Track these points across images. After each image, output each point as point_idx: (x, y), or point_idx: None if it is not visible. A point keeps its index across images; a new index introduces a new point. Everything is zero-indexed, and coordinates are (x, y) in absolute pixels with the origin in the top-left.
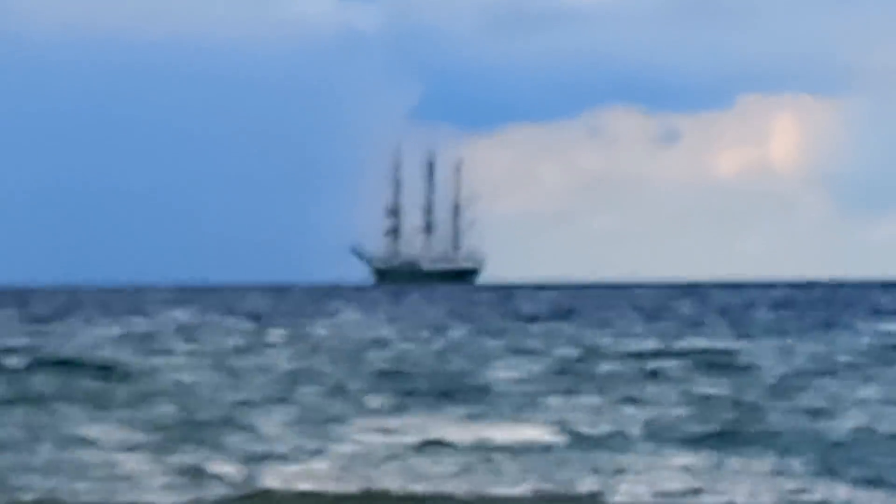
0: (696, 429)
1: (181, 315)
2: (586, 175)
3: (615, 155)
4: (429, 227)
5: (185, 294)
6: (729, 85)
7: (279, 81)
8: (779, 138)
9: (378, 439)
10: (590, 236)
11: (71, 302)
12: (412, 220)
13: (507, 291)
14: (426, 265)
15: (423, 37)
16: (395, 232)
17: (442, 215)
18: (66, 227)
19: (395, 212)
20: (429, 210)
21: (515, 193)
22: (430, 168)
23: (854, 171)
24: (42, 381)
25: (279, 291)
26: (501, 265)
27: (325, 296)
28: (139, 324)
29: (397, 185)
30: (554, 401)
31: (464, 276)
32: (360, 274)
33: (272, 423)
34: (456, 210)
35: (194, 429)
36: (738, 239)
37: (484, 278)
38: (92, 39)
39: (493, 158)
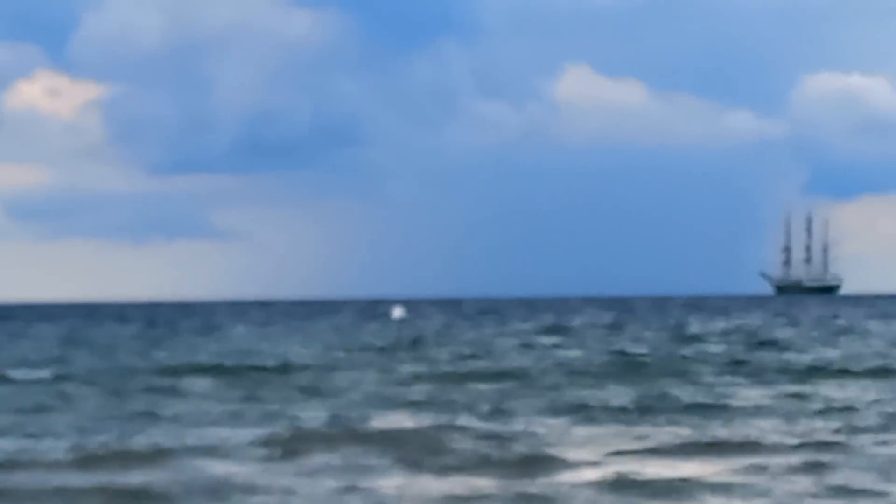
0: None
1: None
2: None
3: None
4: (808, 260)
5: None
6: None
7: (715, 172)
8: None
9: None
10: None
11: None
12: (798, 255)
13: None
14: (806, 283)
15: (811, 140)
16: (787, 263)
17: (816, 253)
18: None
19: (787, 250)
20: (808, 249)
21: (868, 239)
22: (809, 223)
23: None
24: None
25: (700, 301)
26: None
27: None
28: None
29: (789, 233)
30: None
31: (829, 290)
32: (762, 289)
33: None
34: (825, 249)
35: None
36: None
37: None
38: (610, 149)
39: (853, 217)
